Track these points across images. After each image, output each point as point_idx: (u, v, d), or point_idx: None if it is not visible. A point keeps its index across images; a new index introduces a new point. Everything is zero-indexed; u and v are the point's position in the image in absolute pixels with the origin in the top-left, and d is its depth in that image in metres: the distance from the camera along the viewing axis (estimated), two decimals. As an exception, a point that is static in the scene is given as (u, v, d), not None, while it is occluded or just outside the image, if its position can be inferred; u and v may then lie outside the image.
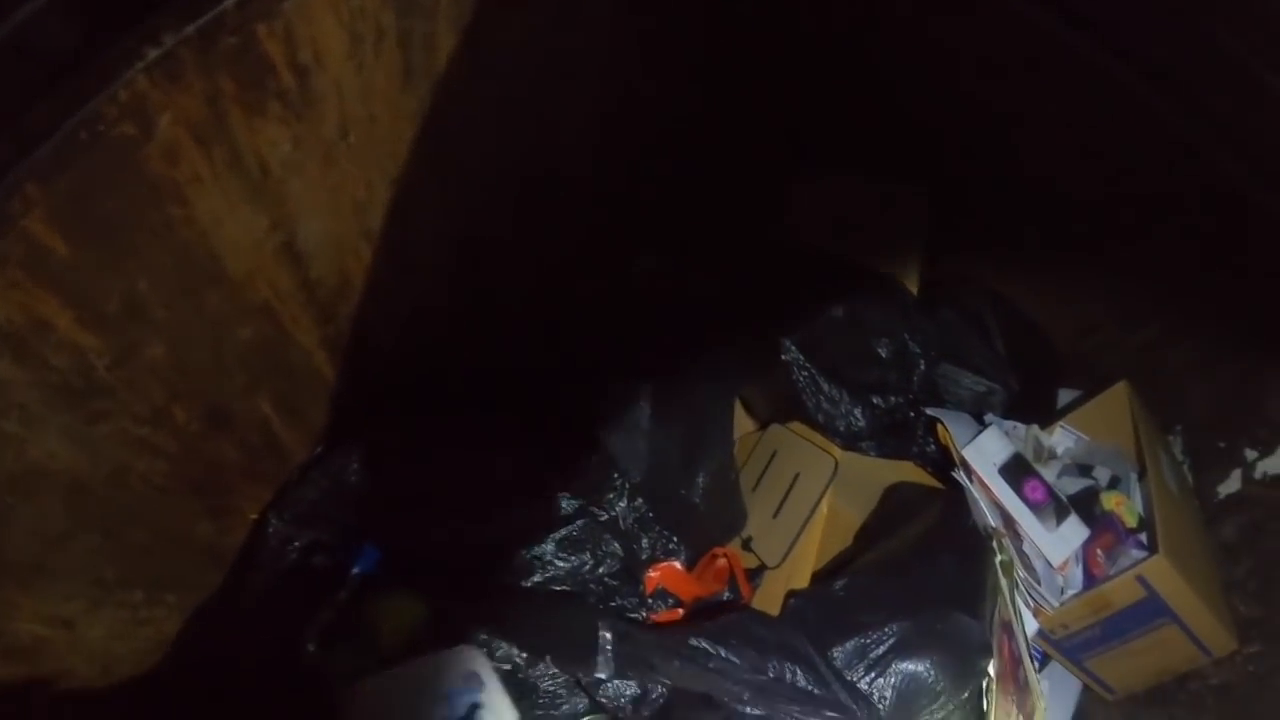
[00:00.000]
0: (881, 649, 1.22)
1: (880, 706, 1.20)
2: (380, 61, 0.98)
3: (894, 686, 1.21)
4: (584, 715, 1.12)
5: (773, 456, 1.48)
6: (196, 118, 0.84)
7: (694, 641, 1.13)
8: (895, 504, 1.45)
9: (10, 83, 0.96)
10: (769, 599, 1.34)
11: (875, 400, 1.45)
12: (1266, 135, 1.13)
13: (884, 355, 1.48)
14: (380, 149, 1.05)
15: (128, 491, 1.00)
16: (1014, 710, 1.32)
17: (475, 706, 0.99)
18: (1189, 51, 1.14)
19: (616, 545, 1.21)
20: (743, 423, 1.59)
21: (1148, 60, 1.19)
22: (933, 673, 1.21)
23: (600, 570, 1.19)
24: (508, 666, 1.06)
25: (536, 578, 1.15)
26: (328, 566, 1.18)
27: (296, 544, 1.18)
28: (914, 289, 1.62)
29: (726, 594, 1.32)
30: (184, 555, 1.14)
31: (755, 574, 1.39)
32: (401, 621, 1.10)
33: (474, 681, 1.01)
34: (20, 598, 0.95)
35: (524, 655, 1.06)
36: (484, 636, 1.04)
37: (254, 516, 1.21)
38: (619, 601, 1.20)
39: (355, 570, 1.11)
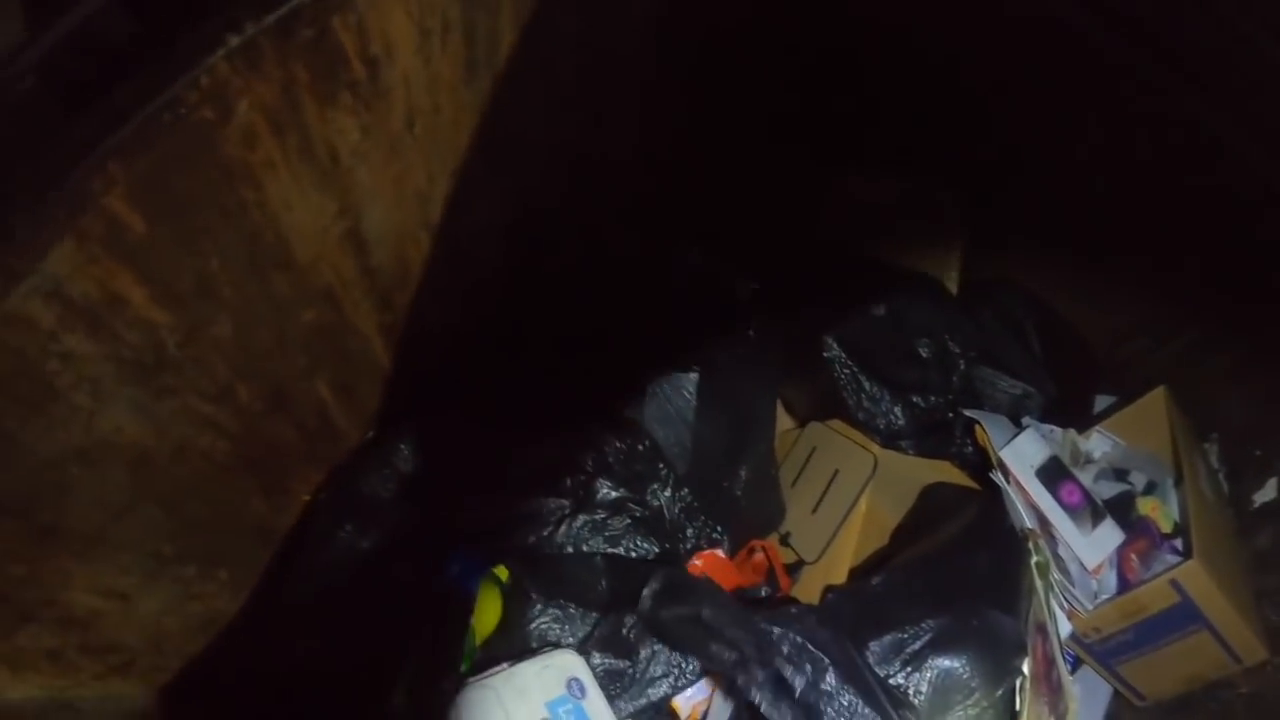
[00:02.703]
0: (917, 644, 1.21)
1: (915, 701, 1.19)
2: (446, 54, 0.99)
3: (929, 681, 1.19)
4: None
5: (812, 453, 1.48)
6: (272, 105, 0.86)
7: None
8: (932, 503, 1.44)
9: (77, 71, 0.99)
10: (806, 594, 1.34)
11: (915, 400, 1.44)
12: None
13: (925, 355, 1.48)
14: (442, 140, 1.07)
15: (189, 467, 1.02)
16: (1046, 711, 1.30)
17: (578, 715, 0.99)
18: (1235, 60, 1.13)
19: (652, 540, 1.21)
20: (781, 419, 1.59)
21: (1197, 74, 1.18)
22: (968, 669, 1.20)
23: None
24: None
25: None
26: (376, 551, 1.19)
27: (348, 526, 1.19)
28: (953, 289, 1.62)
29: (765, 587, 1.32)
30: (238, 532, 1.16)
31: (793, 569, 1.38)
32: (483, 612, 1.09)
33: (575, 689, 1.01)
34: (76, 567, 0.97)
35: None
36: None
37: (306, 498, 1.22)
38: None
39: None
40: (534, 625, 1.09)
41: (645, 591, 1.11)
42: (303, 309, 1.04)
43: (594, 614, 1.11)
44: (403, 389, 1.27)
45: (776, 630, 1.13)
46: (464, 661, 1.03)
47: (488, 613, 1.11)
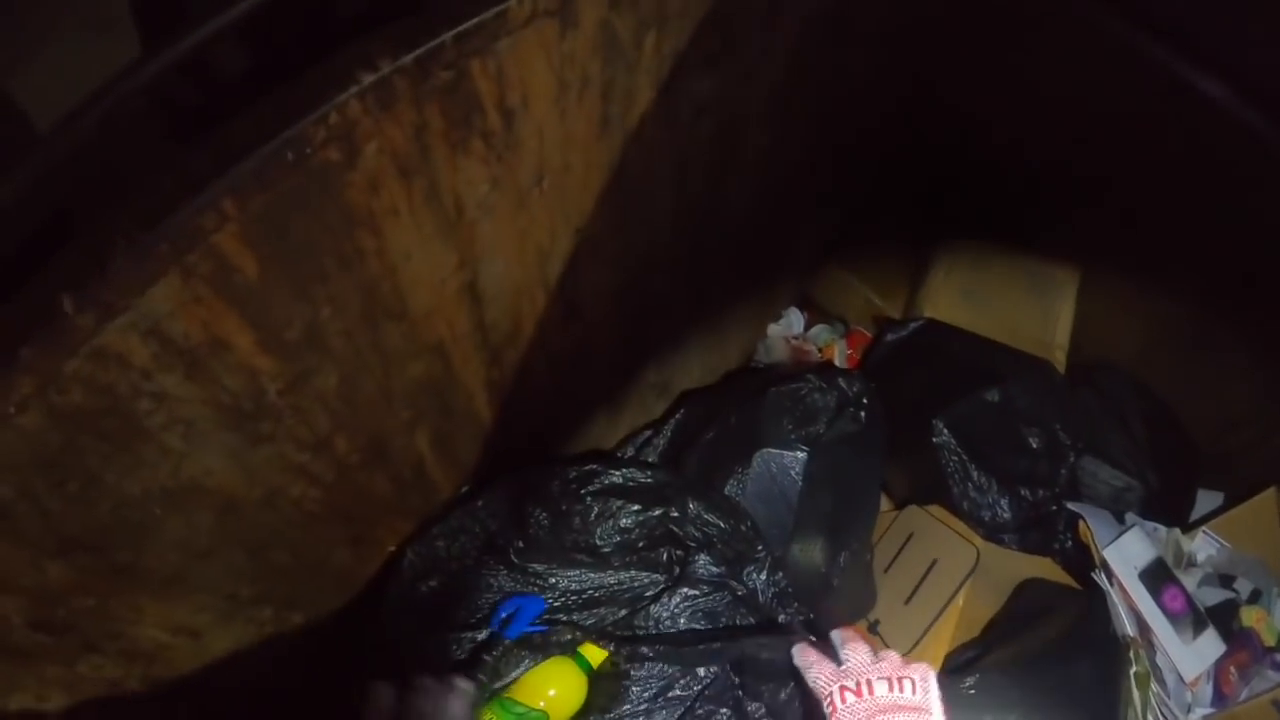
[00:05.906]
0: (1014, 758, 1.05)
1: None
2: (582, 110, 0.85)
3: (1023, 800, 1.04)
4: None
5: (908, 539, 1.31)
6: (402, 149, 0.72)
7: None
8: (1029, 601, 1.27)
9: (188, 98, 0.87)
10: (895, 687, 1.17)
11: (1023, 492, 1.27)
12: None
13: (1035, 445, 1.30)
14: (569, 197, 0.93)
15: (277, 514, 0.89)
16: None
17: None
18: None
19: (751, 620, 1.05)
20: (875, 499, 1.42)
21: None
22: (1065, 789, 1.04)
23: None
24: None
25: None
26: (458, 605, 1.05)
27: (432, 581, 1.05)
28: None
29: (853, 677, 1.15)
30: (319, 579, 1.03)
31: (882, 659, 1.22)
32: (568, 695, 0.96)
33: None
34: (149, 604, 0.84)
35: None
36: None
37: (392, 549, 1.09)
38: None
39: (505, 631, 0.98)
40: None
41: None
42: (411, 362, 0.90)
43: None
44: (501, 444, 1.13)
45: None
46: None
47: (570, 695, 0.97)
